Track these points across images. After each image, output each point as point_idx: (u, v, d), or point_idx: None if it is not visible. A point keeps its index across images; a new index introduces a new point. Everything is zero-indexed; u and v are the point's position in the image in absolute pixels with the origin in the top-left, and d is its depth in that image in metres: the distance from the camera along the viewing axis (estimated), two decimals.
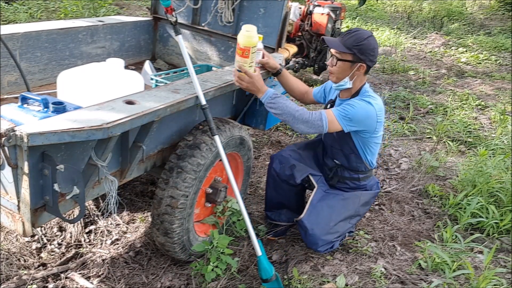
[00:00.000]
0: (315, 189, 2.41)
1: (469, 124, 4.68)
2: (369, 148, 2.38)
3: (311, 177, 2.45)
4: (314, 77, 6.04)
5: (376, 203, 3.15)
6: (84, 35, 2.92)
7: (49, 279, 2.16)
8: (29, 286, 2.08)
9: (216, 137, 2.07)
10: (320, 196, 2.40)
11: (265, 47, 3.09)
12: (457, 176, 3.56)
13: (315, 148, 2.64)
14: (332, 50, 2.26)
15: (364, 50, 2.18)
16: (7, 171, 1.51)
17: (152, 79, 2.51)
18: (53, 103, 1.66)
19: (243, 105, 2.68)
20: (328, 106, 2.48)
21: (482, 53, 8.49)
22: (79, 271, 2.23)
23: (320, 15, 5.16)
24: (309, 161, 2.54)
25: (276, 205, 2.62)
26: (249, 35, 2.13)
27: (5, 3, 6.64)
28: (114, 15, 6.94)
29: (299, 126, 2.20)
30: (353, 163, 2.44)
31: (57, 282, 2.15)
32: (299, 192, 2.63)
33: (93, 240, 2.49)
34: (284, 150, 2.56)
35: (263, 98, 2.24)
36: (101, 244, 2.46)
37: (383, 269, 2.37)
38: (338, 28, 5.59)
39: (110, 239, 2.50)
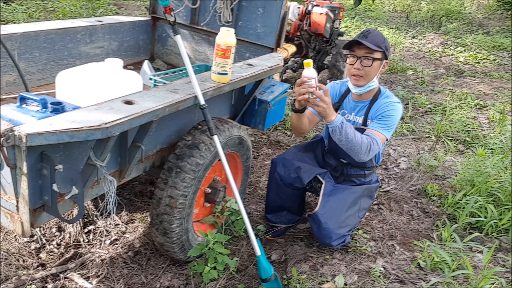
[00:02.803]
0: (323, 185, 2.40)
1: (468, 124, 4.69)
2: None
3: (318, 176, 2.44)
4: None
5: (375, 202, 3.15)
6: (83, 35, 2.92)
7: (48, 279, 2.16)
8: (28, 287, 2.08)
9: (215, 137, 2.07)
10: (330, 190, 2.41)
11: (264, 47, 3.10)
12: (456, 176, 3.56)
13: (314, 149, 2.64)
14: (362, 52, 2.19)
15: (388, 47, 2.23)
16: (6, 171, 1.51)
17: (151, 79, 2.51)
18: (51, 103, 1.65)
19: (242, 105, 2.68)
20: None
21: (480, 53, 8.51)
22: (78, 271, 2.23)
23: (319, 15, 5.16)
24: (311, 162, 2.54)
25: (277, 208, 2.62)
26: (229, 34, 2.14)
27: (4, 3, 6.63)
28: (112, 15, 6.94)
29: (361, 157, 2.17)
30: None
31: (56, 282, 2.15)
32: (301, 195, 2.64)
33: (92, 240, 2.48)
34: (286, 153, 2.55)
35: (334, 123, 2.08)
36: (100, 244, 2.46)
37: (382, 269, 2.37)
38: (337, 28, 5.60)
39: (109, 239, 2.49)
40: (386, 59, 2.26)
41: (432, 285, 2.26)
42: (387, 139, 2.27)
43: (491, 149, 4.01)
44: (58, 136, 1.43)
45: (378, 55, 2.20)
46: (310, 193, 2.93)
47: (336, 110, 2.43)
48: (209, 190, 2.33)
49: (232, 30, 2.17)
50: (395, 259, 2.51)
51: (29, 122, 1.47)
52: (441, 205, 3.20)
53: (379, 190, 3.32)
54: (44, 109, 1.66)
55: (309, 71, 2.03)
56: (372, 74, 2.24)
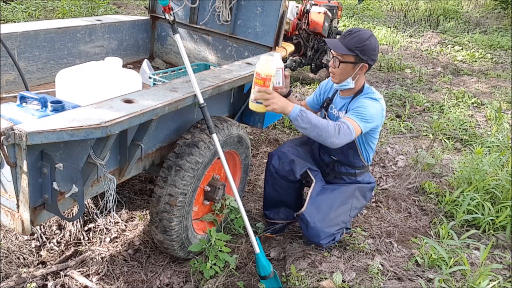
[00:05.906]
0: (313, 184, 2.42)
1: (465, 122, 4.71)
2: (368, 144, 2.42)
3: (309, 172, 2.46)
4: (311, 75, 6.07)
5: (373, 200, 3.17)
6: (82, 34, 2.93)
7: (49, 277, 2.17)
8: (28, 284, 2.09)
9: (214, 136, 2.08)
10: (319, 189, 2.42)
11: (263, 46, 3.11)
12: (453, 174, 3.58)
13: (311, 143, 2.66)
14: (334, 52, 2.25)
15: (366, 50, 2.18)
16: (6, 169, 1.52)
17: (150, 78, 2.52)
18: (51, 102, 1.66)
19: (241, 104, 2.70)
20: (325, 104, 2.50)
21: (477, 51, 8.53)
22: (79, 269, 2.25)
23: (317, 14, 5.18)
24: (307, 157, 2.56)
25: (275, 203, 2.63)
26: (270, 63, 2.06)
27: (4, 2, 6.62)
28: (112, 14, 6.94)
29: (333, 141, 2.11)
30: (350, 158, 2.46)
31: (57, 280, 2.16)
32: (298, 189, 2.65)
33: (92, 238, 2.50)
34: (282, 146, 2.57)
35: (292, 114, 2.08)
36: (100, 242, 2.47)
37: (380, 266, 2.38)
38: (335, 27, 5.62)
39: (109, 237, 2.51)
40: (364, 62, 2.22)
41: (430, 281, 2.28)
42: (362, 131, 2.21)
43: (488, 147, 4.03)
44: (58, 135, 1.44)
45: (349, 58, 2.21)
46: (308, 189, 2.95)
47: (328, 105, 2.47)
48: (208, 188, 2.35)
49: (273, 58, 2.08)
50: (393, 256, 2.53)
51: (29, 121, 1.49)
52: (439, 203, 3.22)
53: (377, 188, 3.34)
54: (44, 108, 1.67)
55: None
56: (344, 74, 2.25)
